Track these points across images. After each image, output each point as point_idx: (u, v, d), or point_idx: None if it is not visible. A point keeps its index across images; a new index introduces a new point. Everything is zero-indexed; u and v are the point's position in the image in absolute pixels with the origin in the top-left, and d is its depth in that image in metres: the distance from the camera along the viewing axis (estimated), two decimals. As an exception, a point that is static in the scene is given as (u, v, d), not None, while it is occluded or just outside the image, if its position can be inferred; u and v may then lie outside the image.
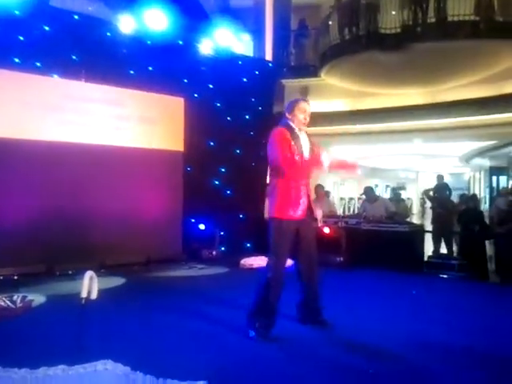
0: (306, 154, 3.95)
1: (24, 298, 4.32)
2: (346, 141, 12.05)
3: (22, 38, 6.62)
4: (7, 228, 6.16)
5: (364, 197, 8.81)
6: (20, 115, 6.45)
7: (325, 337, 3.80)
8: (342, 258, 7.43)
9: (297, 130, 3.94)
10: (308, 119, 3.97)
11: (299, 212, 3.85)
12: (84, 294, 3.26)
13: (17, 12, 6.55)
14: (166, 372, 2.69)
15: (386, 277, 6.43)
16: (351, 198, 12.68)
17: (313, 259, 4.02)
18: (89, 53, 7.05)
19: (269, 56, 10.21)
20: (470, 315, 4.62)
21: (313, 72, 10.91)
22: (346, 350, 3.51)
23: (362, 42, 10.33)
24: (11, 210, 6.27)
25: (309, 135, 4.07)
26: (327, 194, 9.81)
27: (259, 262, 7.03)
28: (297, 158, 3.86)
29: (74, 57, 7.06)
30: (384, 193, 15.67)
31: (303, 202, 3.88)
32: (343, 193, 13.33)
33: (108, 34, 7.51)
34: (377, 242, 7.23)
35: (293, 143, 3.87)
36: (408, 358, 3.32)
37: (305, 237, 3.95)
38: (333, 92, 11.15)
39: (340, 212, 10.81)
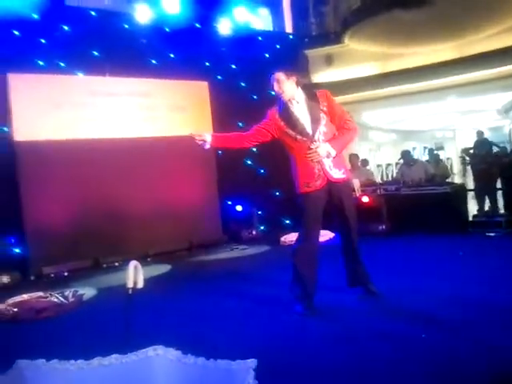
0: (306, 123, 3.72)
1: (75, 292, 4.45)
2: (377, 105, 11.73)
3: (43, 41, 6.72)
4: (54, 227, 6.36)
5: (402, 161, 8.59)
6: (51, 116, 6.58)
7: (373, 305, 3.74)
8: (384, 226, 7.32)
9: (289, 104, 3.75)
10: (283, 86, 3.65)
11: (318, 182, 3.71)
12: (130, 284, 3.30)
13: (35, 16, 6.64)
14: (216, 353, 2.70)
15: (430, 240, 6.29)
16: (389, 164, 12.37)
17: (349, 227, 3.90)
18: (110, 47, 7.11)
19: (289, 28, 10.00)
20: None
21: (335, 39, 10.60)
22: (395, 317, 3.44)
23: (383, 2, 9.94)
24: (56, 209, 6.47)
25: (314, 96, 3.81)
26: (365, 162, 9.63)
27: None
28: (290, 132, 3.71)
29: (95, 53, 7.12)
30: (422, 155, 15.24)
31: (317, 170, 3.71)
32: (379, 159, 13.01)
33: (126, 26, 7.53)
34: (418, 206, 7.07)
35: (282, 123, 3.72)
36: (460, 322, 3.23)
37: (338, 205, 3.83)
38: (358, 57, 10.81)
39: (378, 179, 10.59)
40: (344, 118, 3.81)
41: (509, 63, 10.31)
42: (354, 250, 3.94)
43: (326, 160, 3.67)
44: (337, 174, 3.74)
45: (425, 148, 10.20)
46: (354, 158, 8.41)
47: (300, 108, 3.70)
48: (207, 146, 3.93)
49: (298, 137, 3.66)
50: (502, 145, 10.80)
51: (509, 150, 10.02)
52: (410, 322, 3.31)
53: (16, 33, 6.49)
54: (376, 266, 4.07)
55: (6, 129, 6.32)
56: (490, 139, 10.03)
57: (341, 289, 4.01)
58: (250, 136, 3.94)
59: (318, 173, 3.66)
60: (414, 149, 16.82)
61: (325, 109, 3.72)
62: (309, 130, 3.66)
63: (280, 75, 3.71)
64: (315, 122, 3.67)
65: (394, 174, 11.04)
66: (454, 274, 4.61)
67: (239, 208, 8.20)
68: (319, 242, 3.83)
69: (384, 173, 12.04)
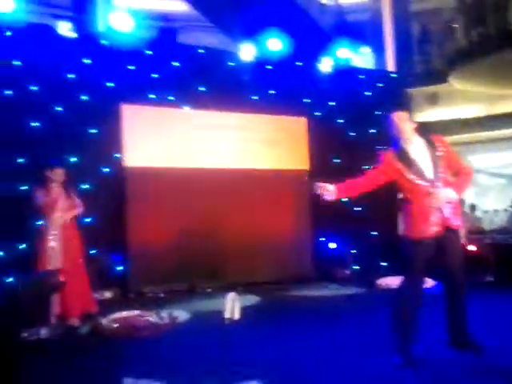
0: (425, 166, 3.52)
1: (170, 314, 4.49)
2: (484, 148, 11.10)
3: (155, 75, 7.15)
4: (155, 249, 6.61)
5: None
6: (159, 145, 6.97)
7: (472, 362, 3.37)
8: (491, 278, 6.72)
9: (405, 145, 3.56)
10: (409, 126, 3.56)
11: (433, 228, 3.47)
12: (227, 315, 3.28)
13: (148, 52, 7.13)
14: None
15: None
16: (496, 210, 11.53)
17: (456, 277, 3.60)
18: (214, 83, 7.39)
19: (391, 67, 9.86)
20: None
21: (440, 78, 10.28)
22: (493, 377, 3.06)
23: (491, 43, 9.51)
24: (158, 232, 6.75)
25: (430, 138, 3.62)
26: (473, 208, 9.05)
27: (397, 282, 6.62)
28: (409, 176, 3.51)
29: (201, 88, 7.44)
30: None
31: (436, 216, 3.48)
32: (486, 205, 12.19)
33: (231, 63, 7.83)
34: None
35: (400, 166, 3.52)
36: None
37: (446, 253, 3.56)
38: (464, 97, 10.37)
39: (486, 226, 9.87)
40: (461, 163, 3.66)
41: None
42: (457, 302, 3.62)
43: (446, 206, 3.47)
44: (456, 222, 3.53)
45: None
46: (459, 203, 7.92)
47: (418, 150, 3.52)
48: (329, 198, 3.73)
49: (417, 181, 3.48)
50: None
51: None
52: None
53: (131, 67, 6.97)
54: (477, 319, 3.68)
55: (118, 155, 6.73)
56: None
57: (439, 342, 3.66)
58: (368, 182, 3.78)
59: (435, 219, 3.46)
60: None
61: (441, 153, 3.54)
62: (428, 173, 3.46)
63: (402, 114, 3.56)
64: (434, 165, 3.48)
65: (503, 221, 10.24)
66: None
67: (333, 245, 7.96)
68: (423, 290, 3.58)
69: (492, 219, 11.22)
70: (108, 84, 6.78)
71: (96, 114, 6.50)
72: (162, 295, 6.35)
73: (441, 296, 3.64)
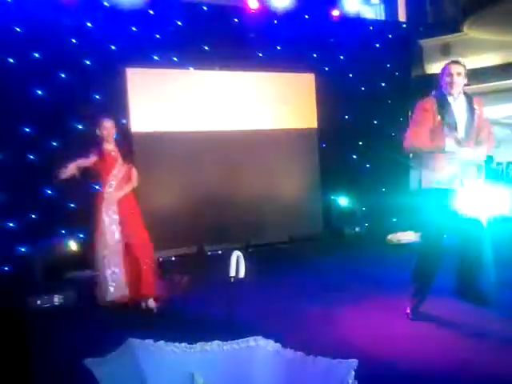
0: (461, 125, 3.50)
1: (182, 277, 4.59)
2: (500, 99, 10.77)
3: (158, 36, 7.02)
4: (163, 213, 6.62)
5: None
6: (165, 109, 6.90)
7: (483, 314, 3.41)
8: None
9: (449, 98, 3.54)
10: (457, 82, 3.52)
11: (452, 181, 3.48)
12: (232, 273, 3.33)
13: (151, 11, 6.97)
14: (316, 349, 2.60)
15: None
16: (510, 162, 11.36)
17: (473, 232, 3.61)
18: (219, 41, 7.23)
19: (402, 17, 9.52)
20: None
21: (453, 28, 9.89)
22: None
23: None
24: (165, 196, 6.78)
25: (472, 100, 3.60)
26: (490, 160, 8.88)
27: (407, 237, 6.66)
28: (445, 129, 3.48)
29: (206, 47, 7.30)
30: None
31: (456, 170, 3.49)
32: (500, 156, 12.00)
33: (235, 19, 7.63)
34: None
35: (438, 117, 3.49)
36: None
37: (463, 208, 3.56)
38: (479, 47, 9.97)
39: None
40: (489, 131, 3.72)
41: None
42: (474, 258, 3.65)
43: (467, 164, 3.48)
44: (471, 180, 3.54)
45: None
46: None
47: (459, 107, 3.57)
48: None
49: (450, 135, 3.48)
50: None
51: None
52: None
53: (134, 28, 6.84)
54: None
55: (124, 121, 6.71)
56: None
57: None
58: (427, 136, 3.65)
59: (454, 174, 3.47)
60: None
61: (476, 117, 3.59)
62: (462, 130, 3.53)
63: (459, 67, 3.56)
64: (469, 124, 3.55)
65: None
66: None
67: (343, 203, 7.97)
68: (443, 242, 3.61)
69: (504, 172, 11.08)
70: (111, 47, 6.68)
71: (100, 79, 6.44)
72: (172, 259, 6.46)
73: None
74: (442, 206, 3.51)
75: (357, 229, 7.70)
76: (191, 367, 2.45)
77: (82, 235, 5.88)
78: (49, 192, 5.93)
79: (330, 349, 2.72)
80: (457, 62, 3.62)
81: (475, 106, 3.60)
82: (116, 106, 6.55)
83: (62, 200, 5.94)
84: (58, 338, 3.52)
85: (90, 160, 4.40)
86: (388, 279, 4.53)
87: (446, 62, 3.72)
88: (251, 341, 2.52)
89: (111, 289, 4.25)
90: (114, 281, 4.26)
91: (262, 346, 2.48)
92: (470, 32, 9.92)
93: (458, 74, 3.52)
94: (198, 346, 2.57)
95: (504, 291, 3.70)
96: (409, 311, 3.57)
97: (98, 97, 6.52)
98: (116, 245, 4.34)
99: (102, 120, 4.47)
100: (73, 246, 5.77)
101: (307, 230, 7.53)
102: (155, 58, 6.96)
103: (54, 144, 6.15)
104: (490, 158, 8.88)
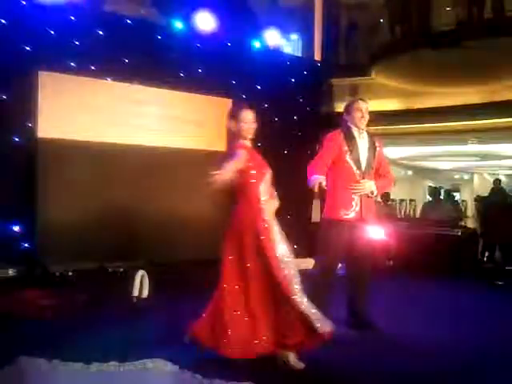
0: (363, 157, 3.82)
1: (80, 294, 4.45)
2: (398, 141, 11.75)
3: (77, 43, 6.85)
4: (65, 225, 6.36)
5: (429, 198, 8.55)
6: (76, 117, 6.68)
7: (369, 340, 3.70)
8: (391, 262, 7.27)
9: (355, 132, 3.86)
10: (366, 117, 3.88)
11: (352, 213, 3.76)
12: (136, 293, 3.33)
13: (72, 17, 6.79)
14: (213, 371, 2.68)
15: (435, 283, 6.22)
16: (402, 200, 12.37)
17: (362, 264, 3.92)
18: (140, 56, 7.21)
19: (318, 56, 10.10)
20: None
21: (363, 71, 10.69)
22: (390, 353, 3.40)
23: (413, 40, 10.03)
24: (69, 208, 6.50)
25: (372, 138, 3.95)
26: (387, 196, 9.60)
27: (306, 263, 6.96)
28: (348, 159, 3.78)
29: (126, 60, 7.23)
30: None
31: (356, 203, 3.78)
32: (397, 195, 13.04)
33: (159, 37, 7.66)
34: (430, 247, 7.01)
35: (345, 148, 3.79)
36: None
37: (357, 241, 3.86)
38: (383, 91, 10.87)
39: (399, 215, 10.58)
40: (388, 167, 4.07)
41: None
42: (363, 290, 3.94)
43: (366, 197, 3.77)
44: (369, 214, 3.83)
45: (440, 188, 10.19)
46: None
47: (363, 141, 3.88)
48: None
49: (353, 166, 3.74)
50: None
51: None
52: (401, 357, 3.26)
53: (51, 32, 6.62)
54: (375, 301, 4.04)
55: (30, 124, 6.42)
56: (507, 186, 9.97)
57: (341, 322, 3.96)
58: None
59: (354, 206, 3.74)
60: (429, 187, 16.69)
61: (377, 153, 3.87)
62: (363, 164, 3.82)
63: (366, 106, 3.95)
64: (370, 158, 3.85)
65: (408, 211, 11.01)
66: (451, 318, 4.55)
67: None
68: (336, 273, 3.86)
69: (397, 208, 12.03)
70: (25, 47, 6.40)
71: (9, 79, 6.15)
72: (70, 274, 6.20)
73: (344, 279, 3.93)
74: (340, 236, 3.76)
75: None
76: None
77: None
78: None
79: (226, 371, 2.81)
80: (362, 100, 4.00)
81: (376, 144, 3.96)
82: (23, 108, 6.28)
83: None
84: None
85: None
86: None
87: (353, 99, 4.07)
88: (148, 362, 2.55)
89: None
90: None
91: (159, 368, 2.51)
92: (377, 77, 10.77)
93: (363, 110, 3.87)
94: (94, 366, 2.55)
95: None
96: None
97: (4, 97, 6.21)
98: None
99: (242, 106, 3.65)
100: None
101: (213, 251, 7.54)
102: (72, 64, 6.78)
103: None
104: (386, 194, 9.64)
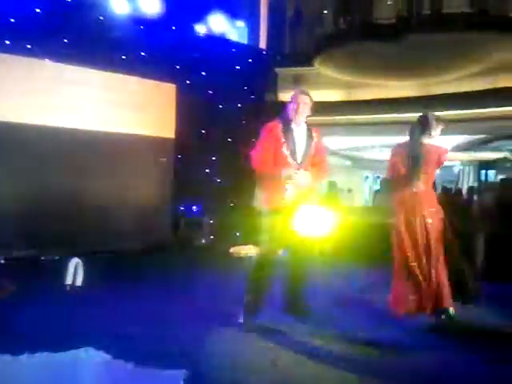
0: (300, 149, 3.89)
1: (8, 282, 4.33)
2: (338, 131, 12.02)
3: (12, 20, 6.54)
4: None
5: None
6: (9, 98, 6.41)
7: (306, 326, 3.84)
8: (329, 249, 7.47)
9: (293, 123, 3.89)
10: (306, 109, 3.91)
11: (288, 203, 3.84)
12: (69, 281, 3.29)
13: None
14: (147, 360, 2.71)
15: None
16: (349, 189, 12.74)
17: (298, 252, 4.03)
18: (81, 36, 6.99)
19: (263, 44, 10.16)
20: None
21: (307, 61, 10.85)
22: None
23: (356, 32, 10.29)
24: (2, 193, 6.26)
25: (310, 128, 3.99)
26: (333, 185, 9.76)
27: (248, 250, 7.07)
28: (284, 150, 3.85)
29: (65, 40, 6.98)
30: (374, 184, 15.75)
31: (292, 192, 3.86)
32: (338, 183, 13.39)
33: (100, 17, 7.43)
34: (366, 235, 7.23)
35: (282, 139, 3.85)
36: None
37: (295, 229, 3.95)
38: (326, 82, 11.09)
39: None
40: (325, 159, 4.07)
41: (467, 108, 10.85)
42: (300, 276, 4.08)
43: (300, 188, 3.85)
44: (306, 204, 3.92)
45: (378, 177, 10.58)
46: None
47: (300, 133, 3.88)
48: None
49: (289, 158, 3.80)
50: (450, 185, 11.28)
51: (455, 189, 10.49)
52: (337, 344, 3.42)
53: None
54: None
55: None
56: (440, 177, 10.47)
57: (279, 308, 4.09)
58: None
59: (289, 196, 3.82)
60: (366, 177, 17.26)
61: (313, 144, 3.92)
62: (299, 155, 3.84)
63: (306, 98, 3.87)
64: (307, 150, 3.87)
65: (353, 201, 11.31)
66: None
67: (192, 214, 8.19)
68: (277, 257, 3.94)
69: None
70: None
71: None
72: (2, 262, 5.98)
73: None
74: (278, 224, 3.85)
75: (203, 240, 7.97)
76: (17, 378, 2.40)
77: None
78: None
79: (162, 359, 2.84)
80: (305, 93, 4.03)
81: (314, 135, 4.02)
82: None
83: None
84: None
85: None
86: (226, 290, 4.77)
87: (295, 91, 4.10)
88: (81, 352, 2.55)
89: None
90: None
91: (92, 357, 2.52)
92: (320, 67, 10.97)
93: (305, 103, 3.91)
94: (24, 356, 2.53)
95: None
96: (242, 322, 3.80)
97: None
98: None
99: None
100: None
101: (155, 239, 7.51)
102: (6, 42, 6.47)
103: None
104: (332, 183, 9.88)
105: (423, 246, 3.87)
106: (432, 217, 3.90)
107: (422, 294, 3.82)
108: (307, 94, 3.97)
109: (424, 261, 3.85)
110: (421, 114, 4.18)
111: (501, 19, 9.63)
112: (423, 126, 4.02)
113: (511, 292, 5.12)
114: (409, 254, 3.89)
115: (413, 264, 3.86)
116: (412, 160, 3.98)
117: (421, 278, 3.83)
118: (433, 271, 3.83)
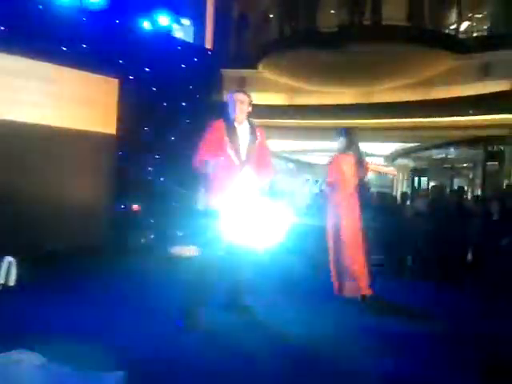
0: (243, 148, 3.94)
1: None
2: (280, 135, 12.23)
3: None
4: None
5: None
6: None
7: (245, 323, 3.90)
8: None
9: (235, 122, 3.95)
10: (245, 109, 3.97)
11: (233, 203, 3.88)
12: (1, 281, 3.16)
13: None
14: (84, 362, 2.65)
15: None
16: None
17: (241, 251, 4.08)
18: (19, 25, 6.66)
19: (209, 44, 10.13)
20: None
21: (251, 64, 10.97)
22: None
23: (299, 39, 10.53)
24: None
25: (254, 128, 4.04)
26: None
27: (188, 251, 7.04)
28: (228, 149, 3.89)
29: (2, 27, 6.64)
30: (313, 187, 16.11)
31: (237, 192, 3.91)
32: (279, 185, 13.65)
33: (40, 6, 7.13)
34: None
35: (226, 138, 3.90)
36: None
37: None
38: (269, 85, 11.28)
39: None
40: (269, 159, 4.18)
41: (402, 116, 11.38)
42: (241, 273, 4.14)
43: (245, 186, 3.90)
44: (250, 203, 3.98)
45: (317, 181, 10.87)
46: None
47: (243, 132, 3.95)
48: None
49: (233, 157, 3.83)
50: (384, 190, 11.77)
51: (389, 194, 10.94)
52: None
53: None
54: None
55: None
56: (375, 183, 10.91)
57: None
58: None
59: (235, 196, 3.86)
60: (307, 180, 17.63)
61: (257, 143, 3.99)
62: (243, 155, 3.91)
63: (243, 97, 3.98)
64: (250, 150, 3.94)
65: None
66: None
67: (132, 213, 8.00)
68: (218, 259, 3.96)
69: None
70: None
71: None
72: None
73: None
74: (220, 225, 3.88)
75: (142, 240, 7.82)
76: None
77: None
78: None
79: (99, 361, 2.79)
80: (240, 91, 4.11)
81: (257, 134, 4.10)
82: None
83: None
84: None
85: None
86: (166, 292, 4.73)
87: (230, 90, 4.19)
88: (14, 354, 2.46)
89: None
90: None
91: (26, 360, 2.43)
92: (265, 71, 11.14)
93: (242, 102, 3.97)
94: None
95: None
96: (182, 322, 3.79)
97: None
98: None
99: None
100: None
101: (91, 238, 7.26)
102: None
103: None
104: (272, 184, 10.03)
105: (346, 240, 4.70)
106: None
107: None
108: (243, 92, 4.08)
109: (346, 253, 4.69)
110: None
111: (435, 35, 10.19)
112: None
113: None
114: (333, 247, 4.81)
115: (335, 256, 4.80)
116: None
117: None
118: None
